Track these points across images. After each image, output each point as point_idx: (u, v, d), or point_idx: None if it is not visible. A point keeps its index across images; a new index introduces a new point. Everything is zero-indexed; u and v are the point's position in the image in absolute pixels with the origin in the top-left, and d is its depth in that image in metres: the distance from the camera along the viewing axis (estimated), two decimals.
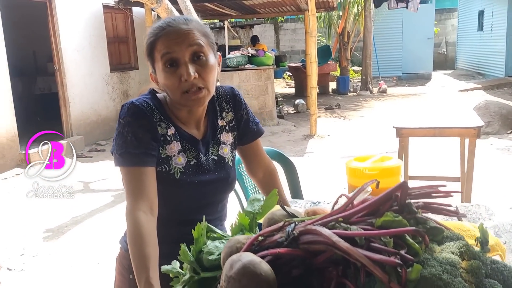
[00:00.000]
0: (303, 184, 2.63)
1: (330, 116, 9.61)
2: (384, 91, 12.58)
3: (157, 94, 1.36)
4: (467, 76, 15.03)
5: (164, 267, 0.99)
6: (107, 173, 5.76)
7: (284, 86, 15.28)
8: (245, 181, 2.55)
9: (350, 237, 0.71)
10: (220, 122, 1.42)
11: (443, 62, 17.68)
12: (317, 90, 10.02)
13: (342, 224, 0.75)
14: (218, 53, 1.35)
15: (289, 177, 2.66)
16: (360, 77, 13.89)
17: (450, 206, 0.76)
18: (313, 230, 0.75)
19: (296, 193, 2.64)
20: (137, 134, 1.24)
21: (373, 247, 0.69)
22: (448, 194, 0.75)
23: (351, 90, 12.91)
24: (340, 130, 8.07)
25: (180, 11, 5.03)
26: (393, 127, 3.44)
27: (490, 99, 9.15)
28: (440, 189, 0.76)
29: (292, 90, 13.52)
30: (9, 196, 5.26)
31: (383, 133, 6.69)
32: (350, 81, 13.37)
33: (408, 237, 0.69)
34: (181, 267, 1.00)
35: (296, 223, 0.80)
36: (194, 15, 5.07)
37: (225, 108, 1.44)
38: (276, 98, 9.45)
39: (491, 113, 7.13)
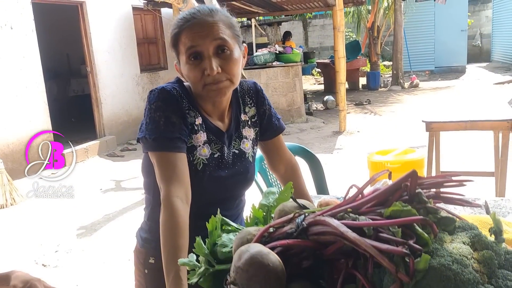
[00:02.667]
0: (332, 180, 2.59)
1: (360, 112, 9.48)
2: (416, 86, 12.31)
3: (184, 83, 1.34)
4: (503, 69, 14.52)
5: (181, 260, 1.00)
6: (139, 172, 5.85)
7: (313, 82, 15.16)
8: (269, 177, 2.54)
9: (358, 227, 0.70)
10: (243, 117, 1.41)
11: (478, 54, 17.14)
12: (347, 86, 9.89)
13: (351, 214, 0.74)
14: (244, 44, 1.34)
15: (314, 172, 2.62)
16: (391, 72, 13.63)
17: (463, 195, 0.74)
18: (322, 221, 0.74)
19: (322, 189, 2.60)
20: (170, 118, 1.22)
21: (381, 237, 0.68)
22: (461, 183, 0.73)
23: (382, 85, 12.69)
24: (370, 126, 7.94)
25: None
26: (422, 121, 3.37)
27: None
28: (454, 178, 0.74)
29: (321, 87, 13.40)
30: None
31: (414, 128, 6.55)
32: (381, 76, 13.14)
33: (417, 227, 0.68)
34: (197, 260, 1.01)
35: (306, 214, 0.80)
36: None
37: (248, 103, 1.43)
38: (304, 95, 9.38)
39: None
